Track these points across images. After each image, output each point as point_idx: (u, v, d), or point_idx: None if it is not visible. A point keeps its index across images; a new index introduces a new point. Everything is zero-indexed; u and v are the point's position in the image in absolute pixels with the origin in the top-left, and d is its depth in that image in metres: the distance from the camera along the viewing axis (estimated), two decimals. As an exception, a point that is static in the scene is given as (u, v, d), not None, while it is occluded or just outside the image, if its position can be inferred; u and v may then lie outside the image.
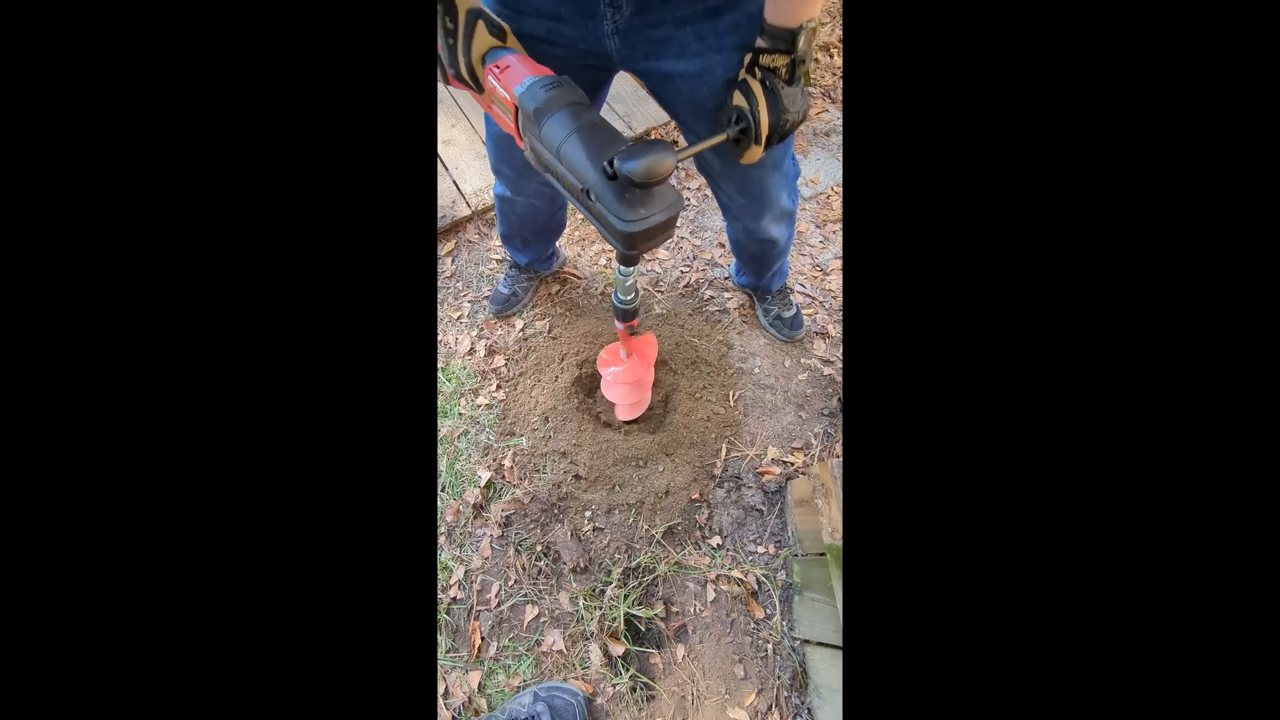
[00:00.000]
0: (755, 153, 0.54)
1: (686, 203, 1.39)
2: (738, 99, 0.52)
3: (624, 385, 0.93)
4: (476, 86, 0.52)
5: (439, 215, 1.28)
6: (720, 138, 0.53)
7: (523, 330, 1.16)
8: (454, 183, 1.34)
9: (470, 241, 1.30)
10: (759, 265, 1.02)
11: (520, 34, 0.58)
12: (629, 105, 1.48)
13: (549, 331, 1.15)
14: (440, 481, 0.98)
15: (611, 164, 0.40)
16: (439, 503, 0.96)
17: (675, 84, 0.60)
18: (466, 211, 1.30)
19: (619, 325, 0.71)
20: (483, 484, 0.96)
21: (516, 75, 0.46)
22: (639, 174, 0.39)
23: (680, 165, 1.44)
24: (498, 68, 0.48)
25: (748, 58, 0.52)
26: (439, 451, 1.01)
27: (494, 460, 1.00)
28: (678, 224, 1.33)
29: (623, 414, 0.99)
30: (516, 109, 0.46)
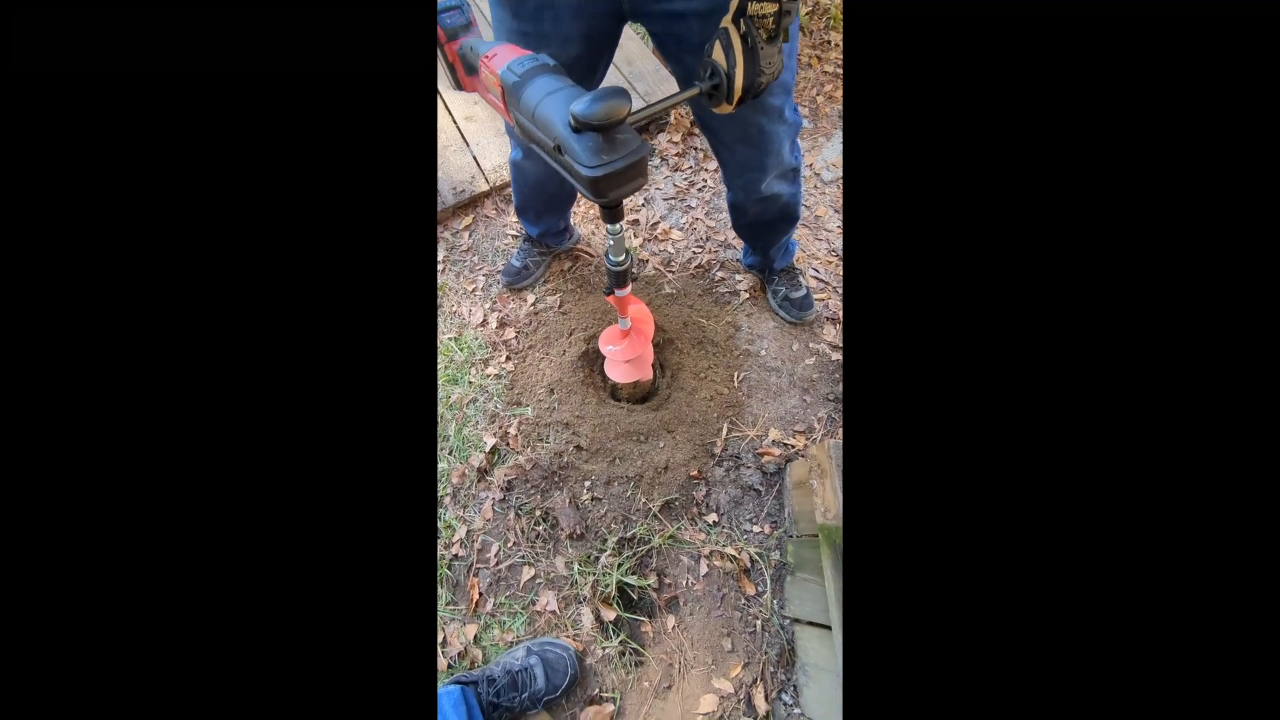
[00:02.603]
0: (726, 108, 0.55)
1: (703, 184, 1.37)
2: (716, 52, 0.52)
3: (625, 363, 0.93)
4: (467, 68, 0.57)
5: (459, 190, 1.31)
6: (692, 92, 0.54)
7: (534, 304, 1.18)
8: (474, 158, 1.36)
9: (487, 217, 1.33)
10: (760, 232, 1.00)
11: None
12: (650, 84, 1.47)
13: (559, 306, 1.17)
14: (448, 445, 1.02)
15: (571, 110, 0.42)
16: (446, 465, 1.00)
17: (687, 23, 0.61)
18: (485, 187, 1.32)
19: (616, 293, 0.70)
20: (488, 449, 0.99)
21: (501, 60, 0.51)
22: (597, 117, 0.41)
23: (698, 149, 1.43)
24: (489, 57, 0.52)
25: (735, 2, 0.51)
26: (449, 417, 1.04)
27: (500, 428, 1.03)
28: (691, 205, 1.33)
29: (623, 375, 0.97)
30: (502, 88, 0.50)
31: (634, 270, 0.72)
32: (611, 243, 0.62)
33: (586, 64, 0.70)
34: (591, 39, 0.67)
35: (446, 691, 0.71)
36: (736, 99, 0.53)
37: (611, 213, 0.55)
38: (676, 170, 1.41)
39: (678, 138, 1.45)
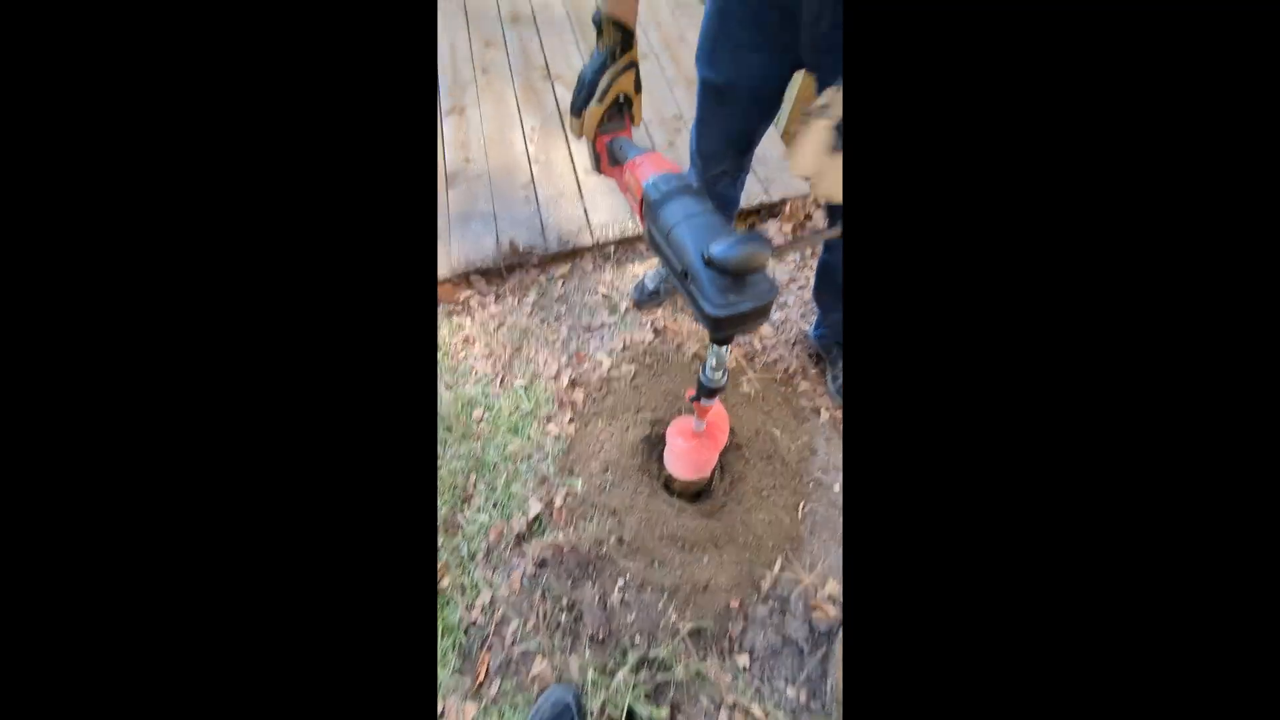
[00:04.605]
0: None
1: (804, 282, 1.32)
2: None
3: (687, 460, 0.88)
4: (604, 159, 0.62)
5: (564, 240, 1.35)
6: (835, 231, 0.53)
7: (608, 370, 1.17)
8: (585, 210, 1.40)
9: (584, 270, 1.35)
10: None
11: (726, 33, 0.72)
12: (770, 170, 1.45)
13: (632, 379, 1.15)
14: (494, 498, 1.01)
15: (709, 251, 0.43)
16: (488, 518, 0.99)
17: None
18: (589, 242, 1.35)
19: (702, 402, 0.68)
20: (530, 515, 0.98)
21: (646, 172, 0.54)
22: (734, 264, 0.41)
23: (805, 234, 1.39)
24: (634, 164, 0.56)
25: None
26: (503, 468, 1.04)
27: (547, 494, 1.01)
28: (788, 303, 1.28)
29: (681, 471, 0.93)
30: (643, 197, 0.54)
31: (725, 389, 0.70)
32: (713, 361, 0.62)
33: (761, 113, 0.81)
34: (770, 88, 0.76)
35: None
36: None
37: (721, 340, 0.55)
38: (779, 263, 1.37)
39: (788, 228, 1.41)
